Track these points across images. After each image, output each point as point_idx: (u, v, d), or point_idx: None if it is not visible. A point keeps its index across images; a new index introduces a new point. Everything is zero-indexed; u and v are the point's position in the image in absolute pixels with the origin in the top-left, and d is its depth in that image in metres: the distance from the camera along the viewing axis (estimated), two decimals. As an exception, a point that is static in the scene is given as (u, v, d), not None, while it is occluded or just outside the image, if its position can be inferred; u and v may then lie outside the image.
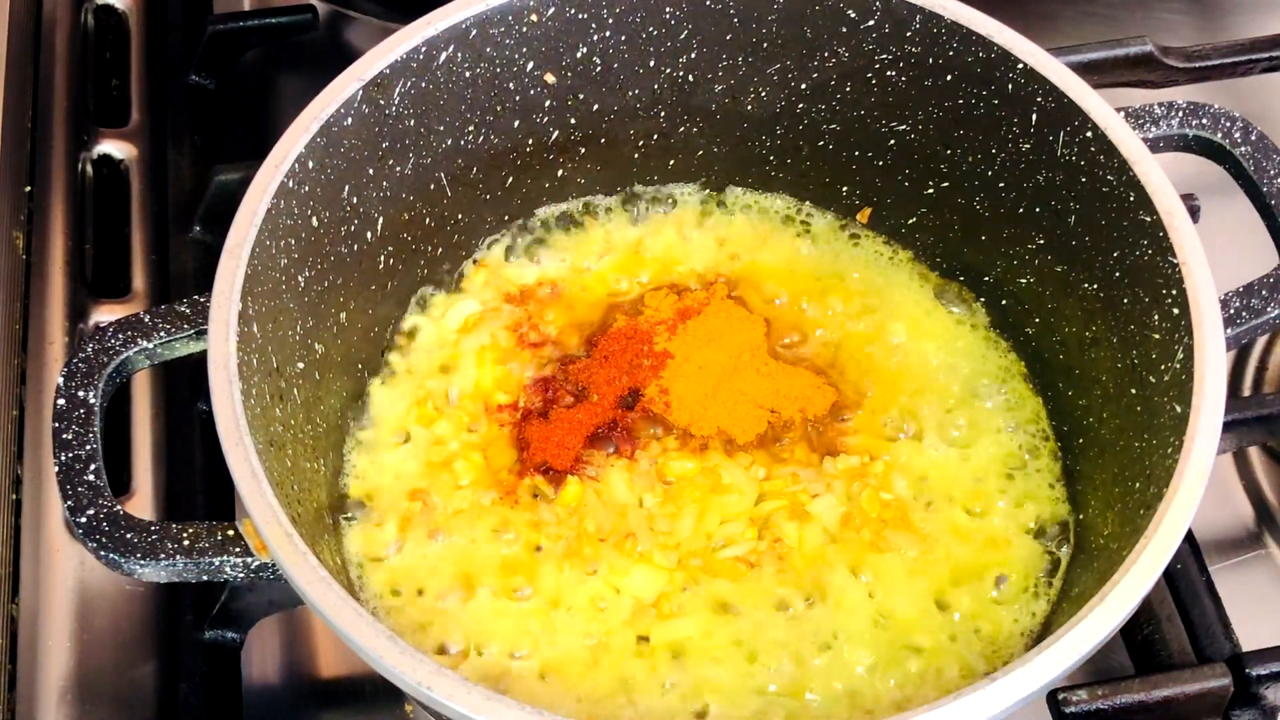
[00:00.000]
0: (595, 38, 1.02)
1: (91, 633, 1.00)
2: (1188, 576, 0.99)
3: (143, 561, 0.84)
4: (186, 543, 0.85)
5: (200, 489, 1.07)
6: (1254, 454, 1.12)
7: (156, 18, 1.33)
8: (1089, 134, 0.94)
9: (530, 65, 1.02)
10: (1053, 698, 0.91)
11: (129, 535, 0.85)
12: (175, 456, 1.08)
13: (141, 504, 1.05)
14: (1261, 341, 1.16)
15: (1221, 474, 1.11)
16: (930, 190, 1.06)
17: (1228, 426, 0.94)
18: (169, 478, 1.07)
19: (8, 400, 1.09)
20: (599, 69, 1.04)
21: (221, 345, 0.85)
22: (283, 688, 1.02)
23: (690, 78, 1.06)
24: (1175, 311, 0.88)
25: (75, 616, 1.00)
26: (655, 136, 1.09)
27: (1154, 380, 0.90)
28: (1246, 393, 1.14)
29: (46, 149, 1.22)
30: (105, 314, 1.14)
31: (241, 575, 0.86)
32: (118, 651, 0.99)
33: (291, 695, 1.02)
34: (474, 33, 0.98)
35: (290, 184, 0.91)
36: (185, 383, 1.10)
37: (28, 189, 1.19)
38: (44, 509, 1.04)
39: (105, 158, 1.24)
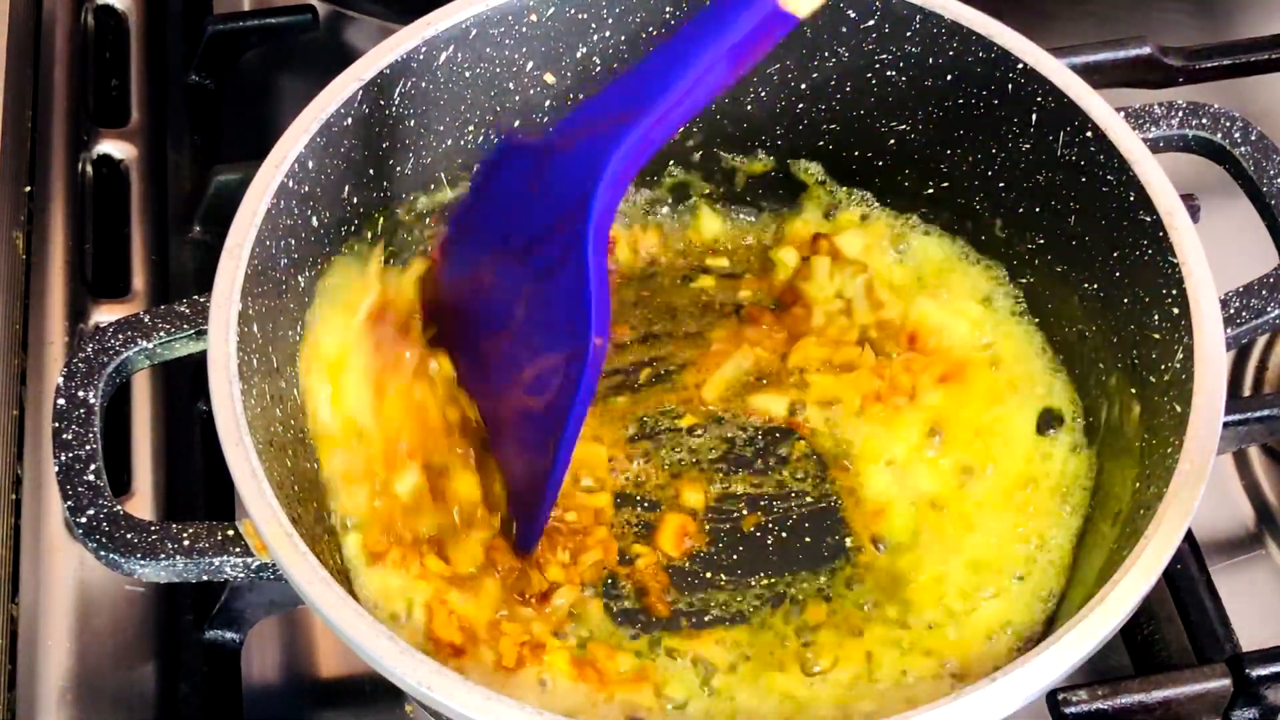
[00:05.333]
0: (595, 38, 1.02)
1: (91, 633, 0.99)
2: (1188, 576, 0.99)
3: (143, 561, 0.84)
4: (186, 543, 0.85)
5: (200, 489, 1.07)
6: (1254, 454, 1.12)
7: (156, 18, 1.33)
8: (1089, 134, 0.94)
9: (530, 65, 1.01)
10: (1053, 698, 0.91)
11: (129, 535, 0.85)
12: (175, 456, 1.08)
13: (141, 504, 1.05)
14: (1261, 341, 1.16)
15: (1221, 474, 1.11)
16: (930, 190, 1.06)
17: (1228, 426, 0.93)
18: (169, 478, 1.07)
19: (8, 400, 1.08)
20: (599, 69, 1.03)
21: (221, 345, 0.85)
22: (283, 688, 1.02)
23: (690, 78, 1.05)
24: (1175, 311, 0.88)
25: (75, 616, 1.00)
26: (655, 136, 1.09)
27: (1154, 380, 0.90)
28: (1246, 393, 1.14)
29: (46, 149, 1.21)
30: (105, 314, 1.14)
31: (241, 575, 0.86)
32: (118, 651, 0.99)
33: (291, 695, 1.02)
34: (474, 33, 0.98)
35: (290, 184, 0.91)
36: (185, 383, 1.10)
37: (28, 189, 1.19)
38: (44, 509, 1.04)
39: (105, 158, 1.23)
